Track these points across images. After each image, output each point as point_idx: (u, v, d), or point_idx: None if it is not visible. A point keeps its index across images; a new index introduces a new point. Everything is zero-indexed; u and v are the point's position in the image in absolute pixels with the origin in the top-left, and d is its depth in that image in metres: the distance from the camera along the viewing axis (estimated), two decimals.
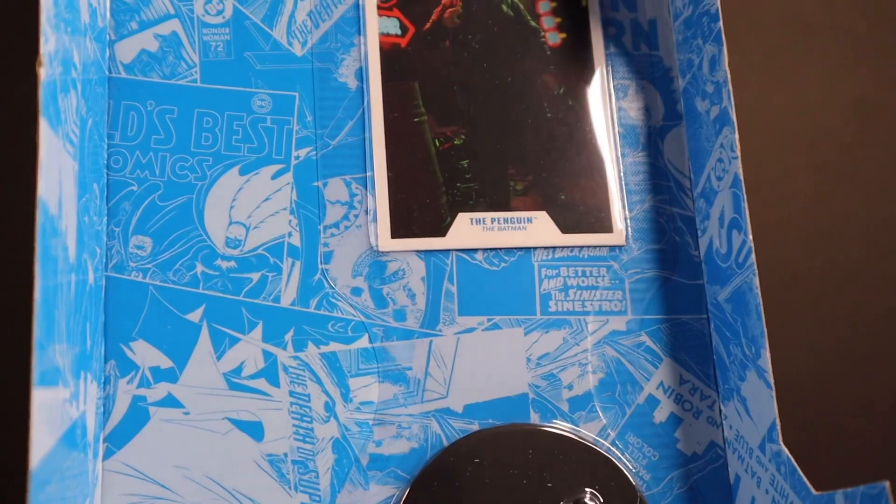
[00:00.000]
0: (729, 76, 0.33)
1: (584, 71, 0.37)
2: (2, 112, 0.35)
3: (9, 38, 0.31)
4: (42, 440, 0.24)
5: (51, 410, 0.25)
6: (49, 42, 0.26)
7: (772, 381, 0.31)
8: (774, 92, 0.44)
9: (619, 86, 0.38)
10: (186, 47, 0.36)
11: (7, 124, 0.36)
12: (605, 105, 0.37)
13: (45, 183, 0.25)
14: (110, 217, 0.34)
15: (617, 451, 0.34)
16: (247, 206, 0.35)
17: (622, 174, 0.37)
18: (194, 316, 0.34)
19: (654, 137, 0.37)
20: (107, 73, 0.35)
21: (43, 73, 0.26)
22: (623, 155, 0.37)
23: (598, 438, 0.34)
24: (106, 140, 0.35)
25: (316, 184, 0.36)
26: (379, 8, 0.37)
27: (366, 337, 0.35)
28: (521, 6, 0.38)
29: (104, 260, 0.34)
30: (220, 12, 0.37)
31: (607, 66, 0.38)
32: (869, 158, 0.44)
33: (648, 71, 0.38)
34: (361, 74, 0.37)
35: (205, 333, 0.34)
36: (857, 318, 0.42)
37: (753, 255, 0.32)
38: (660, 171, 0.37)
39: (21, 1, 0.36)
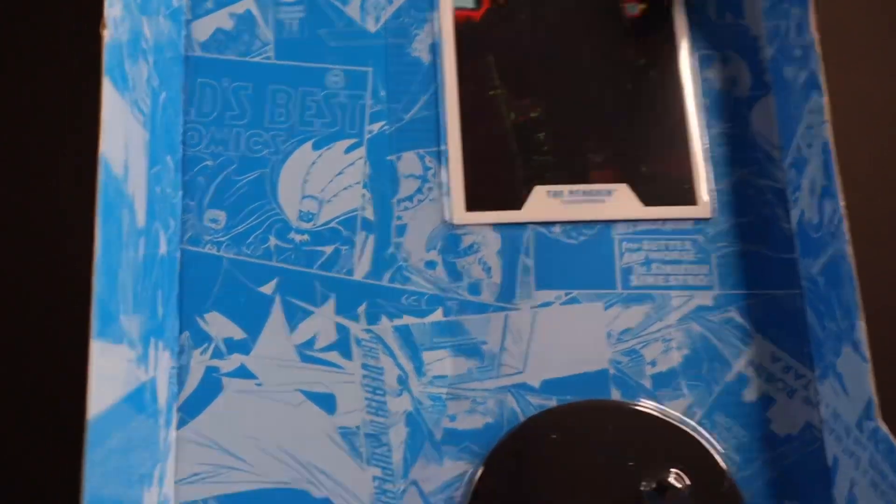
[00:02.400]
0: (817, 38, 0.44)
1: (665, 42, 0.48)
2: (68, 73, 0.45)
3: (75, 2, 0.42)
4: (103, 392, 0.32)
5: (113, 366, 0.34)
6: (114, 6, 0.37)
7: (868, 354, 0.40)
8: (866, 54, 0.53)
9: (702, 56, 0.48)
10: (261, 25, 0.48)
11: (73, 85, 0.46)
12: (689, 76, 0.48)
13: (107, 140, 0.35)
14: (185, 191, 0.46)
15: (704, 431, 0.43)
16: (320, 181, 0.46)
17: (707, 145, 0.47)
18: (267, 289, 0.45)
19: (742, 108, 0.47)
20: (183, 51, 0.48)
21: (107, 34, 0.36)
22: (708, 126, 0.47)
23: (683, 417, 0.44)
24: (182, 116, 0.47)
25: (389, 158, 0.47)
26: None
27: (440, 310, 0.45)
28: None
29: (179, 232, 0.45)
30: None
31: (690, 36, 0.48)
32: None
33: (734, 40, 0.48)
34: (435, 49, 0.48)
35: (278, 306, 0.45)
36: None
37: (846, 223, 0.41)
38: (747, 142, 0.47)
39: None
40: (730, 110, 0.47)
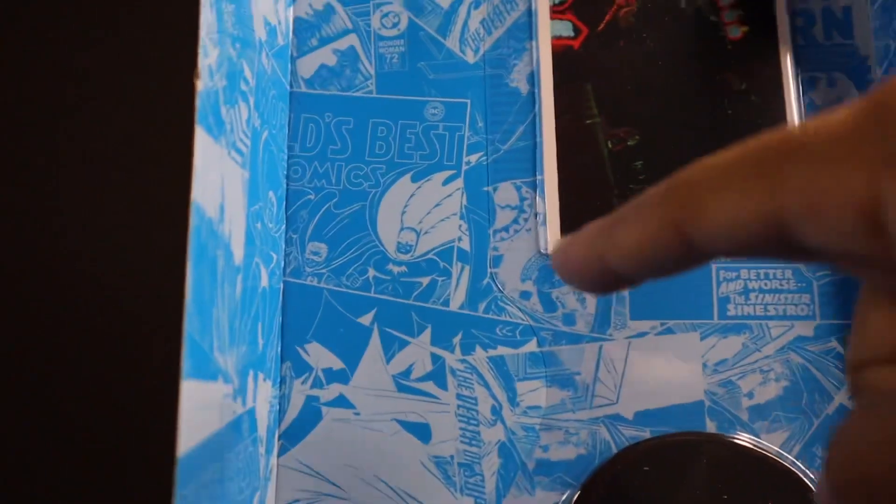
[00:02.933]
0: None
1: (768, 65, 0.50)
2: (163, 122, 0.50)
3: (171, 51, 0.46)
4: (195, 429, 0.37)
5: (207, 403, 0.39)
6: (210, 56, 0.42)
7: None
8: None
9: (807, 79, 0.50)
10: (363, 60, 0.53)
11: (168, 133, 0.51)
12: (793, 99, 0.49)
13: (200, 187, 0.40)
14: (288, 224, 0.51)
15: (802, 465, 0.45)
16: (418, 212, 0.50)
17: None
18: (366, 319, 0.49)
19: None
20: (288, 88, 0.53)
21: (199, 84, 0.41)
22: None
23: (780, 451, 0.46)
24: (286, 152, 0.52)
25: (486, 188, 0.50)
26: (552, 12, 0.52)
27: (534, 341, 0.48)
28: (700, 0, 0.52)
29: (281, 265, 0.50)
30: (395, 24, 0.53)
31: (794, 59, 0.50)
32: None
33: (841, 61, 0.50)
34: (533, 78, 0.52)
35: (375, 336, 0.49)
36: None
37: None
38: None
39: (183, 16, 0.51)
40: None
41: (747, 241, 0.23)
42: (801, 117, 0.49)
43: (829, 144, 0.21)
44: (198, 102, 0.39)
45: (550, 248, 0.48)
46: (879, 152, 0.20)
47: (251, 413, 0.44)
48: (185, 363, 0.36)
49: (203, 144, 0.40)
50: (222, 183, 0.42)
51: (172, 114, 0.38)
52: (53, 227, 0.38)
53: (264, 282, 0.47)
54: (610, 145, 0.49)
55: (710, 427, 0.46)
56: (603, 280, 0.27)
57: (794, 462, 0.45)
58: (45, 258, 0.38)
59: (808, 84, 0.50)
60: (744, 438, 0.45)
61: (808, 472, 0.45)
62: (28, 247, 0.38)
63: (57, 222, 0.38)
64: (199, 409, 0.38)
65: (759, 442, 0.45)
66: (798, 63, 0.50)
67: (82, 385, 0.36)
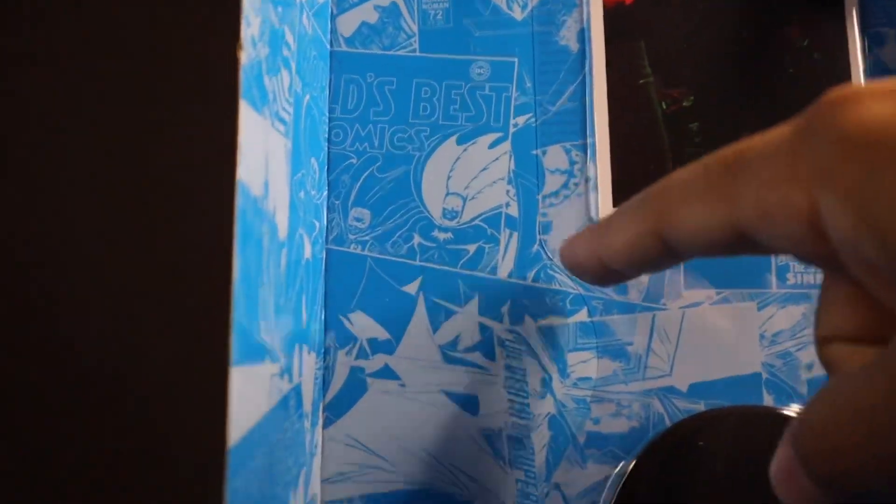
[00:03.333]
0: None
1: (832, 19, 0.48)
2: (203, 98, 0.49)
3: (211, 23, 0.45)
4: (244, 417, 0.36)
5: (255, 387, 0.38)
6: (252, 25, 0.40)
7: None
8: None
9: (874, 34, 0.48)
10: (405, 17, 0.51)
11: (209, 110, 0.50)
12: (858, 56, 0.47)
13: (245, 166, 0.38)
14: (330, 190, 0.50)
15: None
16: (464, 177, 0.49)
17: None
18: (411, 288, 0.48)
19: None
20: (328, 47, 0.51)
21: (243, 56, 0.39)
22: None
23: None
24: (326, 114, 0.50)
25: (534, 152, 0.49)
26: None
27: (585, 310, 0.47)
28: None
29: (324, 233, 0.49)
30: None
31: (861, 13, 0.48)
32: None
33: None
34: (583, 36, 0.50)
35: (421, 306, 0.48)
36: None
37: None
38: None
39: None
40: None
41: (716, 245, 0.27)
42: (865, 77, 0.47)
43: (772, 161, 0.25)
44: (241, 76, 0.38)
45: (601, 214, 0.47)
46: (813, 170, 0.23)
47: (297, 389, 0.43)
48: (233, 350, 0.35)
49: (247, 119, 0.38)
50: (266, 157, 0.41)
51: (215, 89, 0.37)
52: (93, 211, 0.37)
53: (307, 252, 0.46)
54: (664, 106, 0.48)
55: (768, 400, 0.45)
56: (603, 275, 0.34)
57: None
58: (86, 248, 0.37)
59: (875, 39, 0.48)
60: (796, 411, 0.44)
61: None
62: (70, 237, 0.37)
63: (96, 205, 0.37)
64: (248, 394, 0.37)
65: None
66: (865, 17, 0.48)
67: (126, 379, 0.36)
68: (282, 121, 0.43)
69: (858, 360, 0.27)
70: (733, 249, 0.28)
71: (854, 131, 0.23)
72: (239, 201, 0.36)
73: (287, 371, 0.42)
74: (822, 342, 0.29)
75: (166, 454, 0.32)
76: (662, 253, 0.30)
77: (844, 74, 0.47)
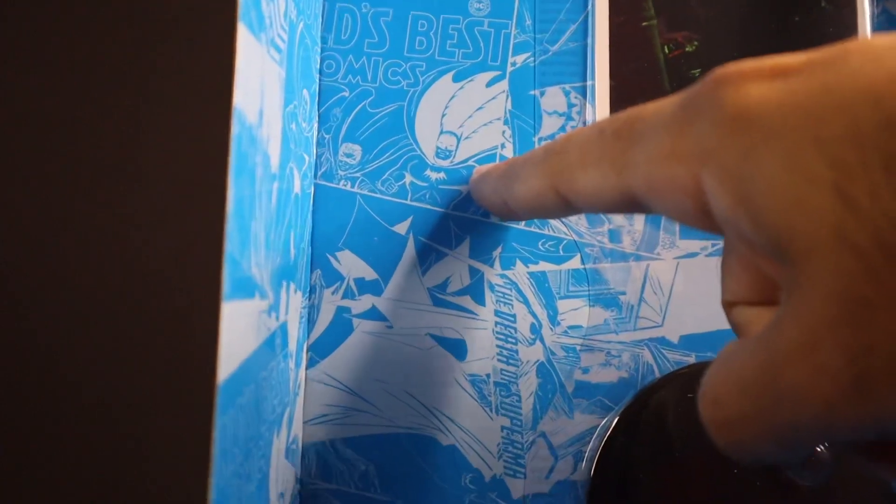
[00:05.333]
0: None
1: None
2: (199, 19, 0.49)
3: None
4: (234, 353, 0.36)
5: (244, 323, 0.38)
6: None
7: None
8: None
9: None
10: None
11: (204, 32, 0.49)
12: (866, 6, 0.47)
13: (242, 92, 0.38)
14: (321, 123, 0.49)
15: None
16: (459, 115, 0.49)
17: None
18: (401, 228, 0.48)
19: None
20: None
21: None
22: None
23: None
24: (319, 44, 0.50)
25: (532, 92, 0.49)
26: None
27: (577, 257, 0.47)
28: None
29: (313, 167, 0.49)
30: None
31: None
32: None
33: None
34: None
35: (410, 246, 0.48)
36: None
37: None
38: None
39: None
40: None
41: (610, 206, 0.29)
42: (873, 27, 0.47)
43: (659, 135, 0.26)
44: None
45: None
46: (695, 149, 0.24)
47: (283, 327, 0.43)
48: (225, 284, 0.35)
49: (245, 43, 0.38)
50: (262, 85, 0.40)
51: (214, 7, 0.36)
52: (86, 132, 0.36)
53: (297, 187, 0.45)
54: (667, 50, 0.48)
55: None
56: (505, 214, 0.38)
57: None
58: (78, 169, 0.36)
59: None
60: None
61: None
62: (60, 158, 0.36)
63: (90, 126, 0.36)
64: (238, 330, 0.37)
65: None
66: None
67: (115, 309, 0.35)
68: (277, 48, 0.42)
69: (762, 321, 0.28)
70: (629, 210, 0.29)
71: (731, 112, 0.23)
72: (235, 128, 0.36)
73: (274, 308, 0.42)
74: (727, 307, 0.30)
75: (156, 388, 0.32)
76: (561, 206, 0.33)
77: (851, 24, 0.47)
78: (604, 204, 0.29)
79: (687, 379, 0.45)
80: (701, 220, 0.25)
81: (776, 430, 0.23)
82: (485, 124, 0.48)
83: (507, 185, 0.35)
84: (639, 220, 0.47)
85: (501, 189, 0.36)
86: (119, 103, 0.35)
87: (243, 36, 0.38)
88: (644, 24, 0.48)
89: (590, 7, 0.48)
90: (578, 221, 0.47)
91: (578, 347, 0.46)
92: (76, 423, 0.34)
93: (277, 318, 0.42)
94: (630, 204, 0.28)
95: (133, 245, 0.34)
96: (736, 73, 0.24)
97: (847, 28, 0.47)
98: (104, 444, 0.34)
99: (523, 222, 0.47)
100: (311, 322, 0.47)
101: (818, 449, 0.43)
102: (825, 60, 0.22)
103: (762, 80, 0.23)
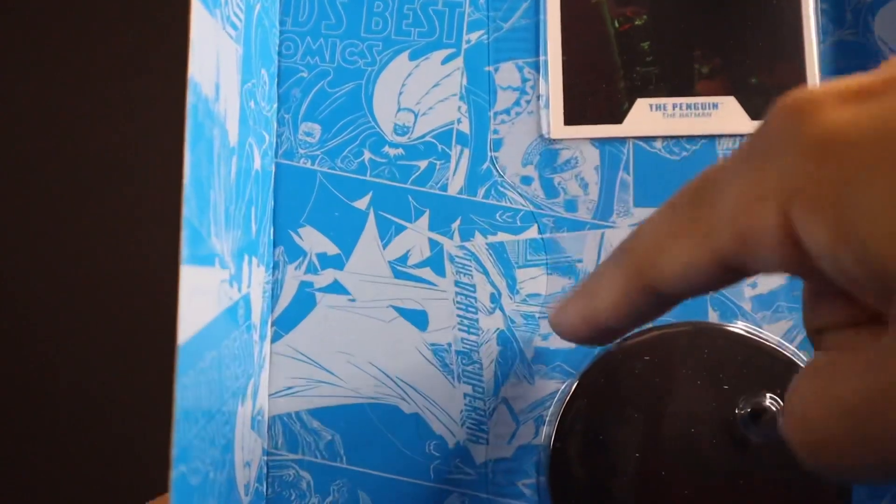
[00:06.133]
0: None
1: None
2: None
3: None
4: (194, 316, 0.37)
5: (205, 289, 0.39)
6: None
7: None
8: None
9: None
10: None
11: (159, 6, 0.51)
12: None
13: (197, 63, 0.40)
14: (280, 103, 0.50)
15: (803, 355, 0.46)
16: (416, 93, 0.50)
17: (821, 55, 0.48)
18: (361, 203, 0.49)
19: (864, 13, 0.49)
20: None
21: None
22: (825, 33, 0.49)
23: (782, 341, 0.46)
24: (277, 27, 0.51)
25: (487, 69, 0.50)
26: None
27: (535, 227, 0.48)
28: None
29: (274, 146, 0.50)
30: None
31: None
32: None
33: None
34: None
35: (371, 221, 0.49)
36: None
37: None
38: (869, 50, 0.48)
39: None
40: (851, 15, 0.49)
41: (704, 281, 0.27)
42: (814, 4, 0.48)
43: (738, 182, 0.25)
44: None
45: (552, 132, 0.48)
46: (781, 184, 0.23)
47: (246, 299, 0.44)
48: (184, 248, 0.36)
49: (199, 16, 0.39)
50: (218, 59, 0.41)
51: None
52: (52, 98, 0.38)
53: (257, 164, 0.47)
54: (617, 24, 0.49)
55: (713, 317, 0.47)
56: (601, 337, 0.33)
57: (794, 352, 0.46)
58: (34, 136, 0.37)
59: None
60: (745, 328, 0.46)
61: (809, 361, 0.46)
62: (29, 133, 0.38)
63: (54, 95, 0.38)
64: (198, 295, 0.38)
65: (760, 332, 0.46)
66: None
67: (75, 271, 0.36)
68: (233, 26, 0.43)
69: (858, 342, 0.27)
70: (721, 280, 0.27)
71: (816, 141, 0.22)
72: (190, 98, 0.37)
73: (236, 279, 0.43)
74: (813, 334, 0.29)
75: (118, 348, 0.33)
76: (654, 303, 0.29)
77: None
78: (698, 280, 0.27)
79: (643, 343, 0.46)
80: (791, 260, 0.24)
81: (882, 457, 0.22)
82: (441, 100, 0.50)
83: (590, 303, 0.32)
84: (593, 190, 0.48)
85: (586, 311, 0.32)
86: (74, 73, 0.36)
87: (197, 9, 0.39)
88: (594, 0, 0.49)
89: None
90: (535, 193, 0.48)
91: (537, 315, 0.47)
92: (39, 383, 0.35)
93: (240, 289, 0.43)
94: (724, 269, 0.26)
95: (91, 210, 0.35)
96: (807, 100, 0.23)
97: (786, 7, 0.48)
98: (68, 403, 0.35)
99: (480, 194, 0.48)
100: (274, 297, 0.48)
101: (769, 405, 0.44)
102: None
103: (841, 104, 0.22)
